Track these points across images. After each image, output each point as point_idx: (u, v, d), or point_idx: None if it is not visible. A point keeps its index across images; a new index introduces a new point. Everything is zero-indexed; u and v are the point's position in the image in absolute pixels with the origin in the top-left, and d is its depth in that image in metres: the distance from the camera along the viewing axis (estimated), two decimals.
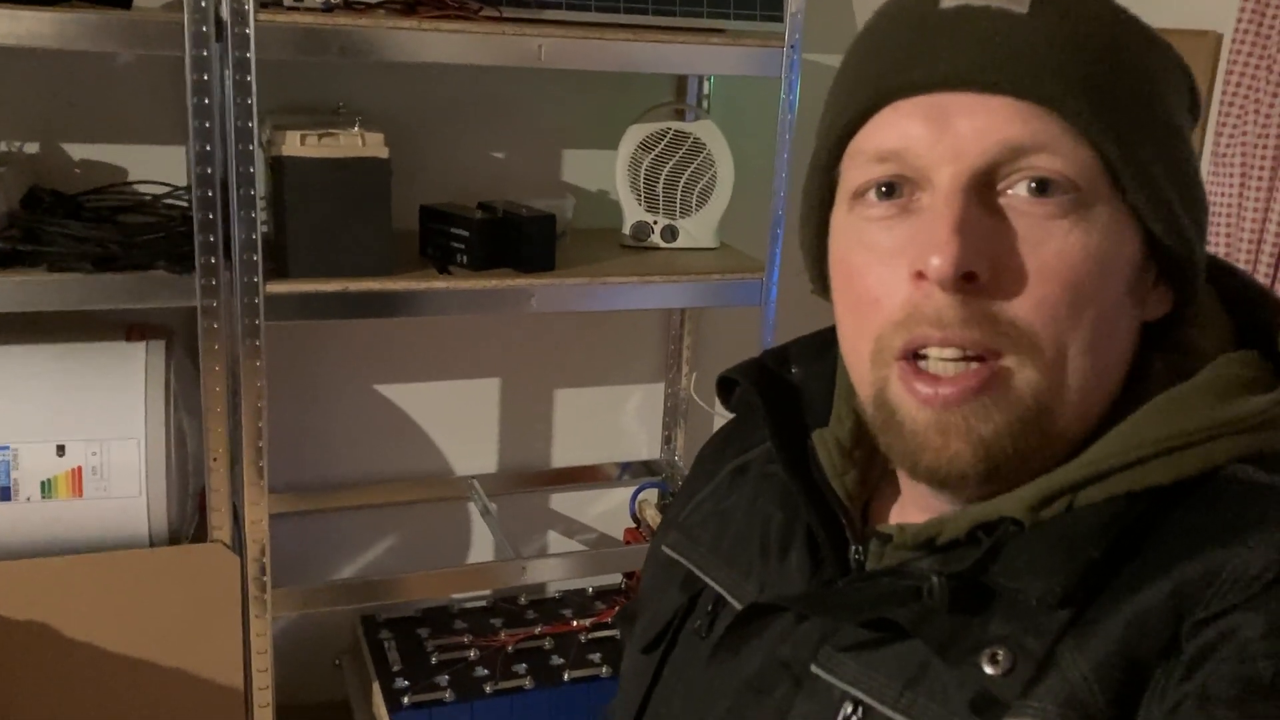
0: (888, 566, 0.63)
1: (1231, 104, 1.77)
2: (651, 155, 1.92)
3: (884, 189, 0.61)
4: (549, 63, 1.64)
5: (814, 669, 0.62)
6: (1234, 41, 1.76)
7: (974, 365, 0.58)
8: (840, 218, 0.65)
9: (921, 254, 0.57)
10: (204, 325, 1.58)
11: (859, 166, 0.62)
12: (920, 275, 0.58)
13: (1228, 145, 1.78)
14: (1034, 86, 0.57)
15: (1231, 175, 1.78)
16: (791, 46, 1.75)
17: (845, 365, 0.67)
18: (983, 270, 0.57)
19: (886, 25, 0.63)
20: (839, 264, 0.64)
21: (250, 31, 1.48)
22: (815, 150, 0.66)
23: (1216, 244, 1.80)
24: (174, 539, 1.67)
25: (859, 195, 0.62)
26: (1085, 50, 0.58)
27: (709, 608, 0.72)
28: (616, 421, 2.26)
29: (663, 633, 0.75)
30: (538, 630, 2.01)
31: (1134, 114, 0.58)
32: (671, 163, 1.93)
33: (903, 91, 0.60)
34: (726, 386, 0.77)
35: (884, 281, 0.60)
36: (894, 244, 0.60)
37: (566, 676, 1.89)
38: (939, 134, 0.58)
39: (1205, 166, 1.87)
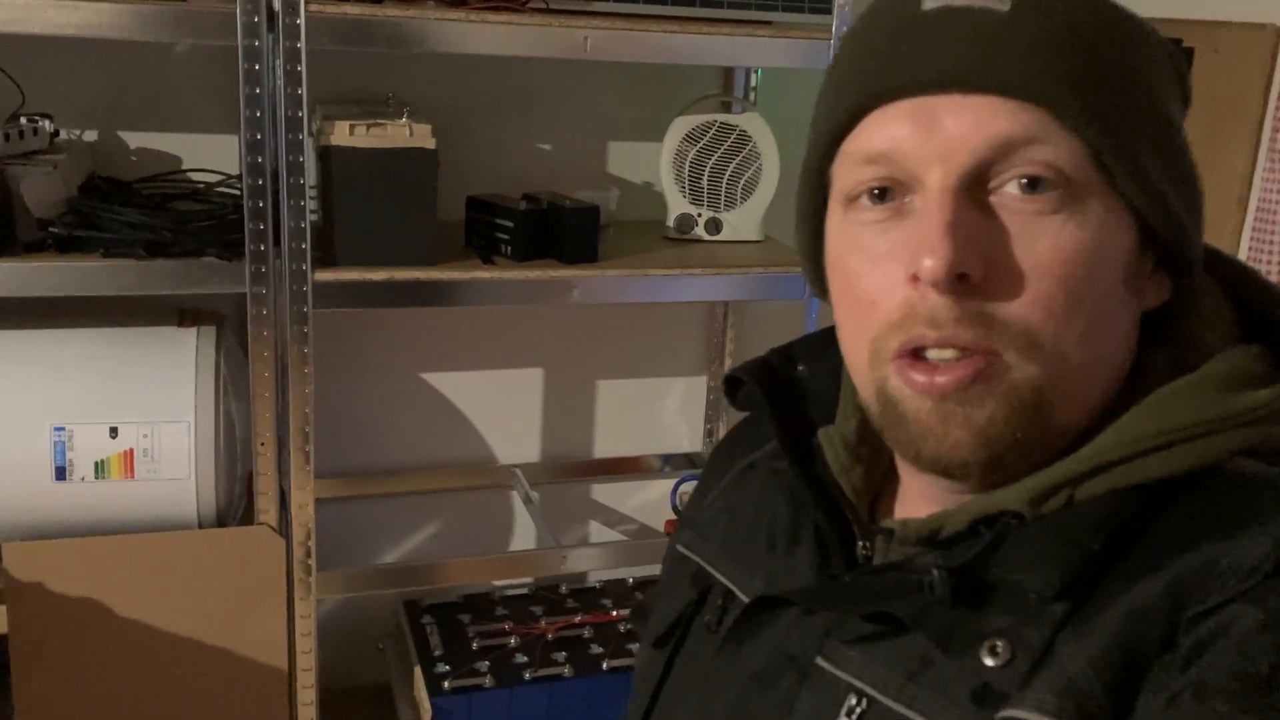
0: (892, 561, 0.64)
1: None
2: (697, 147, 1.93)
3: (876, 192, 0.61)
4: (595, 54, 1.64)
5: (819, 661, 0.63)
6: None
7: (970, 358, 0.58)
8: (835, 221, 0.65)
9: (915, 257, 0.58)
10: (253, 312, 1.61)
11: (850, 170, 0.62)
12: (915, 278, 0.58)
13: None
14: (1020, 84, 0.57)
15: None
16: (838, 39, 1.74)
17: (846, 364, 0.67)
18: (975, 270, 0.57)
19: (870, 28, 0.63)
20: (835, 268, 0.65)
21: (301, 22, 1.51)
22: (806, 154, 0.67)
23: (1272, 242, 1.77)
24: (222, 521, 1.70)
25: (852, 199, 0.62)
26: (1069, 44, 0.58)
27: (719, 602, 0.73)
28: (658, 413, 2.26)
29: (674, 627, 0.75)
30: (578, 619, 2.02)
31: (1122, 105, 0.58)
32: (717, 155, 1.93)
33: (889, 94, 0.60)
34: (734, 385, 0.78)
35: (880, 284, 0.60)
36: (888, 247, 0.60)
37: (605, 665, 1.90)
38: (927, 135, 0.58)
39: (1260, 163, 1.83)
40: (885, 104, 0.60)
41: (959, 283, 0.57)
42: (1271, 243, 1.77)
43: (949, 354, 0.58)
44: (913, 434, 0.60)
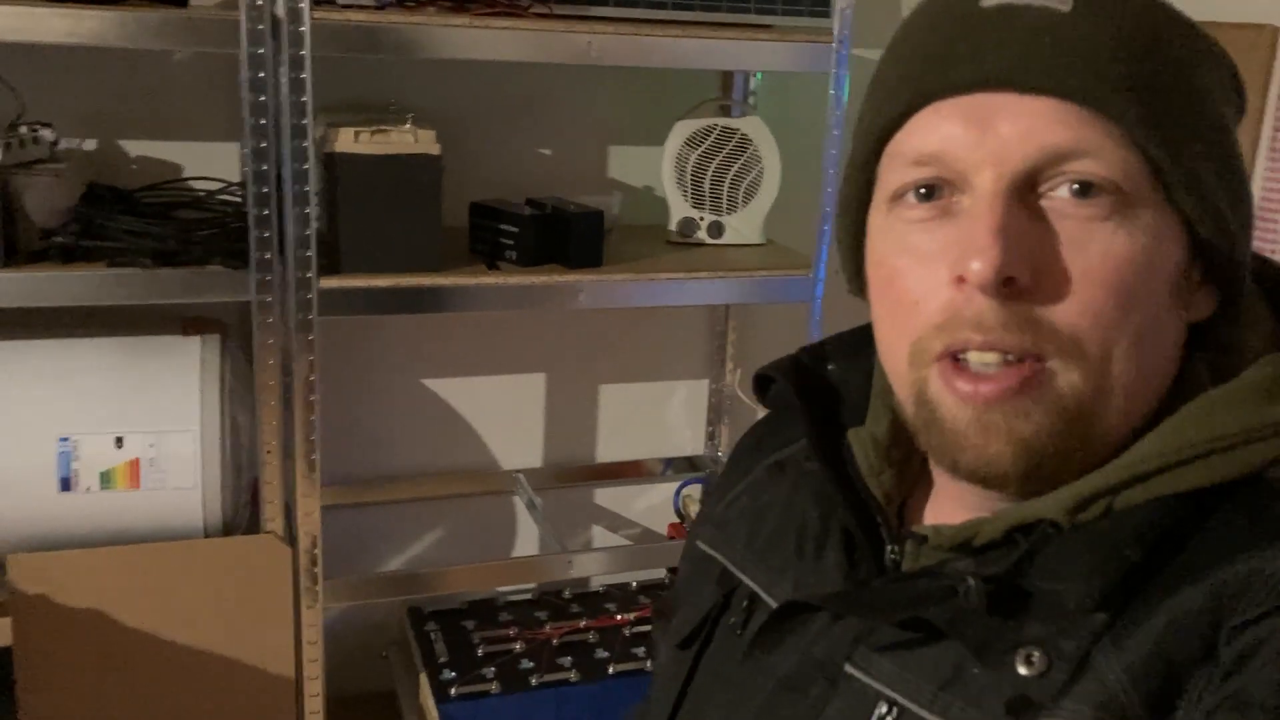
0: (924, 567, 0.63)
1: None
2: (698, 151, 1.93)
3: (923, 191, 0.60)
4: (599, 59, 1.64)
5: (848, 669, 0.62)
6: None
7: (1015, 365, 0.57)
8: (878, 219, 0.64)
9: (962, 258, 0.57)
10: (258, 320, 1.61)
11: (898, 168, 0.61)
12: (961, 279, 0.57)
13: None
14: (1077, 87, 0.56)
15: None
16: (840, 42, 1.74)
17: (882, 365, 0.66)
18: (1024, 274, 0.56)
19: (926, 24, 0.62)
20: (877, 266, 0.64)
21: (305, 29, 1.50)
22: (852, 150, 0.66)
23: (1274, 244, 1.77)
24: (228, 530, 1.70)
25: (898, 197, 0.62)
26: (1129, 49, 0.57)
27: (744, 604, 0.72)
28: (661, 417, 2.26)
29: (698, 629, 0.75)
30: (582, 624, 2.02)
31: (1180, 113, 0.57)
32: (718, 159, 1.93)
33: (943, 92, 0.59)
34: (763, 383, 0.77)
35: (924, 284, 0.60)
36: (934, 247, 0.59)
37: (611, 670, 1.90)
38: (980, 136, 0.57)
39: (1261, 164, 1.84)
40: (938, 101, 0.59)
41: (1006, 286, 0.56)
42: (1273, 244, 1.77)
43: (991, 358, 0.57)
44: (951, 443, 0.59)
